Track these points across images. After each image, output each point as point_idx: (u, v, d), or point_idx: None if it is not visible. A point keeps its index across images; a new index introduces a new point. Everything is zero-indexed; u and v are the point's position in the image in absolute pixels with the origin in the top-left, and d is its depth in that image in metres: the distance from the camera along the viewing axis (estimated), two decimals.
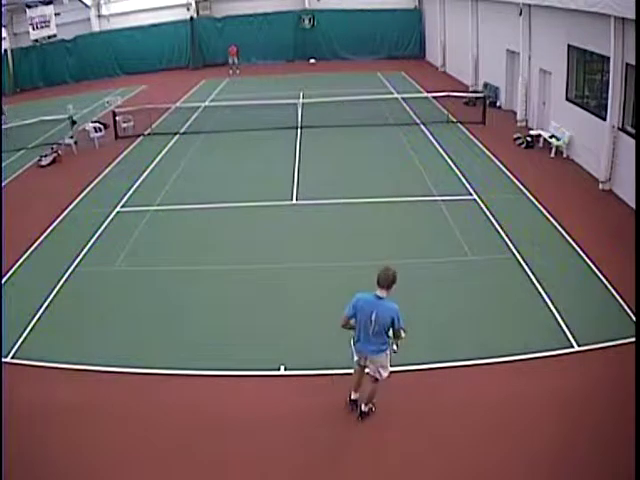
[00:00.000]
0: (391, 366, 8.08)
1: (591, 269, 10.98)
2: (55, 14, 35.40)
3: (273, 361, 8.74)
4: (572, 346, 8.81)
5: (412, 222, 13.53)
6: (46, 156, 19.52)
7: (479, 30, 26.46)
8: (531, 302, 10.03)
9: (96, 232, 13.53)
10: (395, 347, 7.31)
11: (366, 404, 7.67)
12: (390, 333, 7.11)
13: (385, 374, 7.41)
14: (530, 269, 10.99)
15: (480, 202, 14.27)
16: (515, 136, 19.39)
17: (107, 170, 18.28)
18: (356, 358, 7.46)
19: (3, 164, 18.99)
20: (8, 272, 11.80)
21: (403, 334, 7.10)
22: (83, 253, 12.52)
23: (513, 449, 7.07)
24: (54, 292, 10.98)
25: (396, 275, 6.95)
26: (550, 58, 18.81)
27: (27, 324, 9.93)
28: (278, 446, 7.29)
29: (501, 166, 16.91)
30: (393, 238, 12.60)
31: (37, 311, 10.33)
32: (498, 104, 24.03)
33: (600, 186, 14.96)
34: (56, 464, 7.12)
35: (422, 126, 21.39)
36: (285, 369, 8.63)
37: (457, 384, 8.25)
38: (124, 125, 22.30)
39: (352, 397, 7.82)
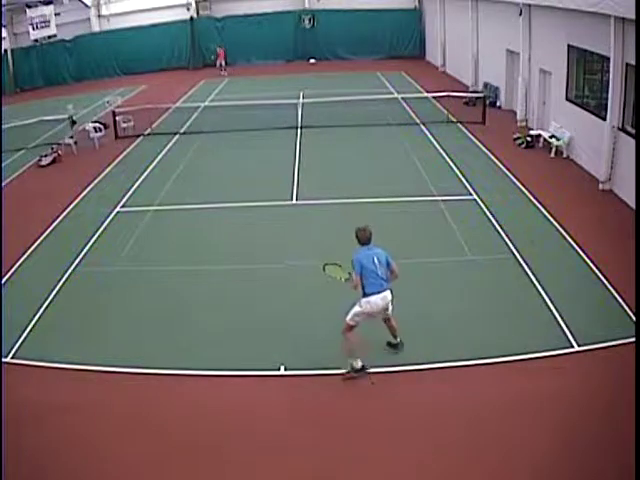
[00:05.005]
0: (390, 366, 8.21)
1: (591, 269, 10.98)
2: (55, 14, 35.48)
3: (273, 361, 8.74)
4: (572, 346, 8.80)
5: (412, 222, 13.53)
6: (46, 156, 19.53)
7: (479, 30, 26.46)
8: (531, 302, 10.02)
9: (96, 232, 13.53)
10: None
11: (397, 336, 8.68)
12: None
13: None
14: (530, 269, 10.99)
15: (480, 202, 14.26)
16: (515, 136, 19.38)
17: (107, 170, 18.29)
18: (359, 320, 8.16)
19: (3, 164, 19.00)
20: (8, 272, 11.81)
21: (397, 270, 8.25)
22: (83, 253, 12.52)
23: (513, 449, 7.07)
24: (54, 292, 10.98)
25: (371, 231, 8.20)
26: (550, 58, 18.81)
27: (27, 324, 9.93)
28: (278, 447, 7.29)
29: (501, 166, 16.90)
30: (393, 238, 12.55)
31: (37, 311, 10.33)
32: (498, 104, 24.03)
33: (600, 186, 14.95)
34: (56, 464, 7.12)
35: (422, 126, 21.38)
36: (285, 369, 8.63)
37: (457, 384, 8.25)
38: (124, 125, 22.29)
39: (359, 365, 8.27)
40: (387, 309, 8.29)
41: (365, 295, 8.06)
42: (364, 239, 8.14)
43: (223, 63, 36.13)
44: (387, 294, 8.14)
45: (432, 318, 9.68)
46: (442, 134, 20.23)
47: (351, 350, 8.26)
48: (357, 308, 8.12)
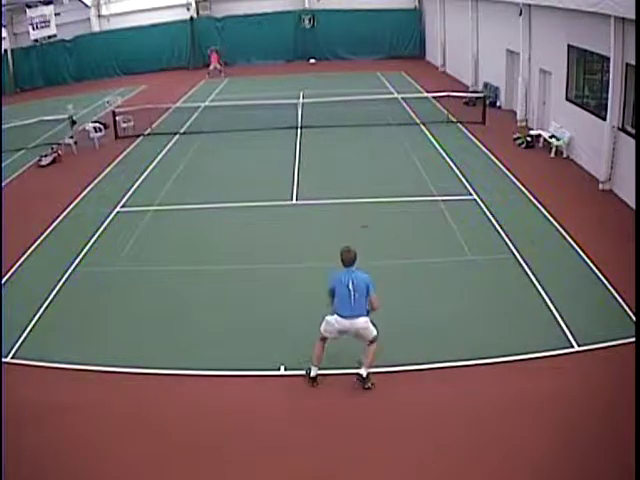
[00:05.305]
0: (390, 366, 8.21)
1: (591, 269, 10.98)
2: (55, 14, 35.43)
3: (273, 361, 8.74)
4: (572, 346, 8.81)
5: (412, 222, 13.53)
6: (46, 156, 19.52)
7: (479, 30, 26.46)
8: (531, 302, 10.03)
9: (96, 232, 13.52)
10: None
11: (367, 367, 8.05)
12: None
13: (375, 332, 7.98)
14: (530, 269, 10.99)
15: (480, 202, 14.26)
16: (515, 136, 19.38)
17: (107, 170, 18.29)
18: (327, 335, 8.12)
19: (3, 164, 18.99)
20: (8, 272, 11.80)
21: (376, 303, 7.97)
22: (83, 253, 12.52)
23: (513, 449, 7.07)
24: (54, 292, 10.98)
25: (356, 253, 7.99)
26: (550, 58, 18.82)
27: (27, 324, 9.93)
28: (278, 447, 7.29)
29: (501, 166, 16.90)
30: (393, 238, 12.60)
31: (37, 311, 10.33)
32: (498, 104, 24.03)
33: (600, 186, 14.95)
34: (56, 464, 7.12)
35: (422, 126, 21.38)
36: (285, 369, 8.63)
37: (457, 384, 8.25)
38: (124, 125, 22.28)
39: (312, 374, 8.22)
40: (365, 335, 7.99)
41: (337, 314, 8.01)
42: (348, 260, 7.96)
43: (218, 66, 35.98)
44: (357, 321, 7.90)
45: (432, 318, 9.68)
46: (442, 134, 20.22)
47: (319, 357, 8.19)
48: (328, 317, 8.09)
